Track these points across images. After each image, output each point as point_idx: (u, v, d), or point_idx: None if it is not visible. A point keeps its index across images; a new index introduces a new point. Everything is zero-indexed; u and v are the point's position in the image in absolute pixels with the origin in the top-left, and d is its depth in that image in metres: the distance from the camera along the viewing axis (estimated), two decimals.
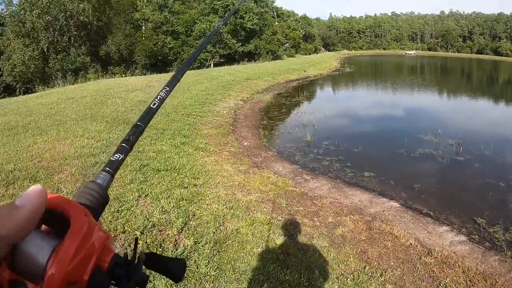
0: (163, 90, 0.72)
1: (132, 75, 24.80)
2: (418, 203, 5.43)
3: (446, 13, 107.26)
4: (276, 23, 39.77)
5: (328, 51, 79.29)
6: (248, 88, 15.16)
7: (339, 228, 3.86)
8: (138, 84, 12.58)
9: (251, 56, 34.63)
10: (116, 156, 0.57)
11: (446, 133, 9.35)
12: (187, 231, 3.26)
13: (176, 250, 3.00)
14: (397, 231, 4.10)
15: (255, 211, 3.98)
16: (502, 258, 4.11)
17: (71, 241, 0.34)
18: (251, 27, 33.53)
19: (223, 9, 32.36)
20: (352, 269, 3.13)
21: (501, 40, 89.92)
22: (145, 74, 23.61)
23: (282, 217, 3.93)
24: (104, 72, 26.26)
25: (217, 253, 3.02)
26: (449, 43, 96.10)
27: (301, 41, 53.08)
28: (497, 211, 5.43)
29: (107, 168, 0.54)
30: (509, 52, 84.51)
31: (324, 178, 6.05)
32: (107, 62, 28.98)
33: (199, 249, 3.04)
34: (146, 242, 3.01)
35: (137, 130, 0.63)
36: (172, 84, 0.76)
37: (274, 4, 43.61)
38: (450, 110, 15.24)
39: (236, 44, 33.16)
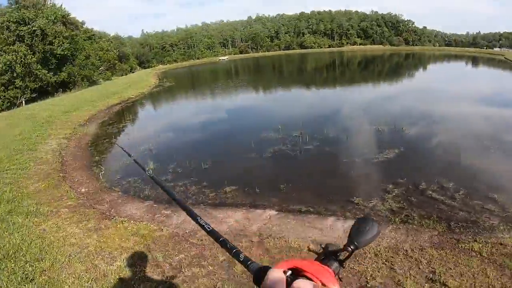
0: None
1: None
2: (292, 203, 5.44)
3: (253, 18, 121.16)
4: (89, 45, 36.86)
5: (144, 68, 78.01)
6: (69, 122, 13.39)
7: (237, 265, 3.37)
8: None
9: (65, 86, 31.09)
10: None
11: (286, 127, 10.09)
12: None
13: None
14: (294, 242, 3.92)
15: (133, 283, 3.12)
16: (393, 227, 4.40)
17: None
18: (62, 52, 30.22)
19: (29, 36, 27.91)
20: None
21: (304, 35, 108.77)
22: None
23: (167, 279, 3.19)
24: None
25: None
26: (259, 44, 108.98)
27: (116, 61, 50.58)
28: (366, 186, 5.97)
29: None
30: (313, 44, 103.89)
31: None
32: None
33: None
34: None
35: None
36: None
37: (85, 26, 40.50)
38: (276, 104, 16.87)
39: (48, 75, 29.09)
